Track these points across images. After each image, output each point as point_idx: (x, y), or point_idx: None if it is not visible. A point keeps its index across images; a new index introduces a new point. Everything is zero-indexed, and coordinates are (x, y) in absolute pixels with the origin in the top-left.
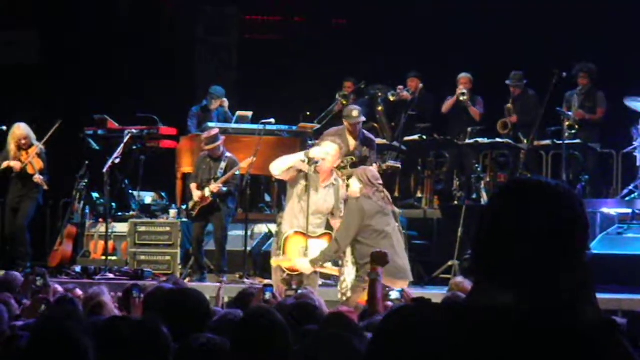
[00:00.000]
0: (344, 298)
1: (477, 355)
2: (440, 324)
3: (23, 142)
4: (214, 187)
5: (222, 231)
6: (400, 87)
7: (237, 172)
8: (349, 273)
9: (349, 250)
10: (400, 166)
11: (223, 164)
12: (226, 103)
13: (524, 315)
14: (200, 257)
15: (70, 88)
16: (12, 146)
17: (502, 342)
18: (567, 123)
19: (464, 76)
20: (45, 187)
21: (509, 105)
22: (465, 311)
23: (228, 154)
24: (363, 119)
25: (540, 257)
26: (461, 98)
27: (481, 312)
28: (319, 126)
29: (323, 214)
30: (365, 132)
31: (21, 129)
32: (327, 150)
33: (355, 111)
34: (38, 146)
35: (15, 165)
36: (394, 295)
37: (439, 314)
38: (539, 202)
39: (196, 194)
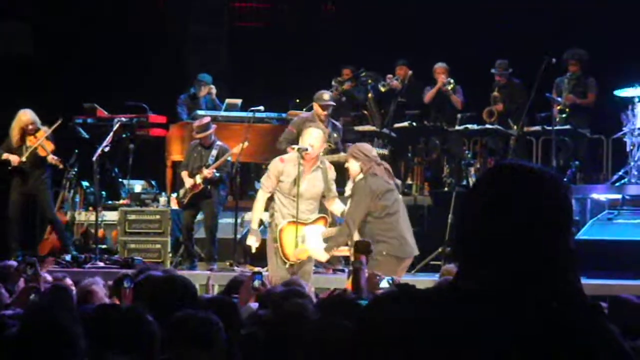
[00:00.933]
0: None
1: (460, 339)
2: (424, 310)
3: (30, 127)
4: (207, 172)
5: (213, 219)
6: (390, 76)
7: (228, 159)
8: None
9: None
10: (386, 152)
11: (214, 152)
12: (214, 90)
13: (508, 301)
14: (191, 245)
15: (60, 77)
16: (15, 132)
17: (484, 327)
18: (557, 107)
19: (440, 66)
20: (61, 166)
21: (495, 93)
22: (450, 297)
23: (219, 142)
24: (333, 103)
25: (525, 242)
26: (448, 87)
27: (465, 297)
28: (309, 114)
29: (315, 199)
30: (331, 119)
31: (27, 115)
32: (314, 136)
33: (325, 94)
34: (45, 130)
35: (14, 159)
36: (384, 284)
37: (422, 300)
38: (522, 187)
39: (187, 182)
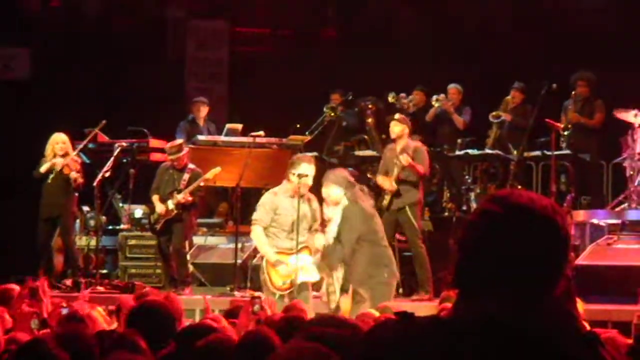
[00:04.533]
0: (331, 303)
1: None
2: (423, 337)
3: (61, 145)
4: (182, 197)
5: (181, 241)
6: (403, 94)
7: (201, 184)
8: (338, 277)
9: None
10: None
11: (186, 176)
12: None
13: (505, 329)
14: (170, 269)
15: (62, 102)
16: (49, 152)
17: (484, 354)
18: (561, 125)
19: (452, 87)
20: (80, 180)
21: (509, 97)
22: (449, 324)
23: (191, 166)
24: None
25: (521, 273)
26: (434, 104)
27: (465, 327)
28: (308, 139)
29: (306, 229)
30: (410, 140)
31: (61, 136)
32: (310, 166)
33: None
34: (74, 153)
35: (57, 161)
36: None
37: (422, 329)
38: (514, 218)
39: (159, 208)
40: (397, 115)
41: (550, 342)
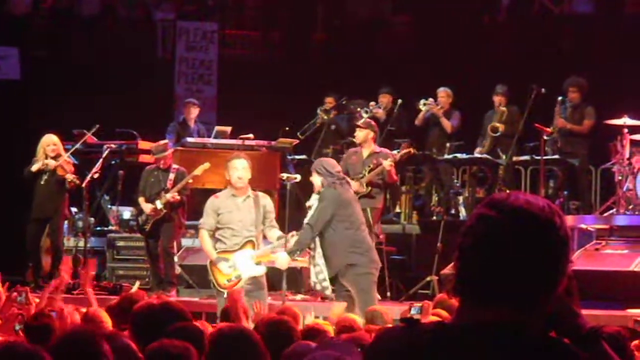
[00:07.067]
0: (325, 290)
1: None
2: (430, 345)
3: (52, 147)
4: (170, 197)
5: (170, 241)
6: (373, 103)
7: (189, 181)
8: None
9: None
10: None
11: (172, 175)
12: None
13: (510, 331)
14: (158, 270)
15: (51, 103)
16: (40, 153)
17: (490, 357)
18: (550, 130)
19: (441, 90)
20: (77, 182)
21: (503, 108)
22: (453, 330)
23: (175, 166)
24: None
25: (522, 277)
26: (421, 107)
27: (468, 329)
28: (297, 141)
29: (253, 225)
30: (375, 145)
31: (52, 137)
32: (243, 167)
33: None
34: (66, 155)
35: (50, 162)
36: (414, 311)
37: (427, 334)
38: (515, 224)
39: (147, 208)
40: (360, 122)
41: (552, 343)
